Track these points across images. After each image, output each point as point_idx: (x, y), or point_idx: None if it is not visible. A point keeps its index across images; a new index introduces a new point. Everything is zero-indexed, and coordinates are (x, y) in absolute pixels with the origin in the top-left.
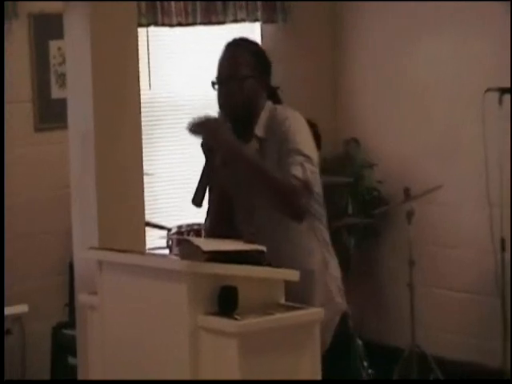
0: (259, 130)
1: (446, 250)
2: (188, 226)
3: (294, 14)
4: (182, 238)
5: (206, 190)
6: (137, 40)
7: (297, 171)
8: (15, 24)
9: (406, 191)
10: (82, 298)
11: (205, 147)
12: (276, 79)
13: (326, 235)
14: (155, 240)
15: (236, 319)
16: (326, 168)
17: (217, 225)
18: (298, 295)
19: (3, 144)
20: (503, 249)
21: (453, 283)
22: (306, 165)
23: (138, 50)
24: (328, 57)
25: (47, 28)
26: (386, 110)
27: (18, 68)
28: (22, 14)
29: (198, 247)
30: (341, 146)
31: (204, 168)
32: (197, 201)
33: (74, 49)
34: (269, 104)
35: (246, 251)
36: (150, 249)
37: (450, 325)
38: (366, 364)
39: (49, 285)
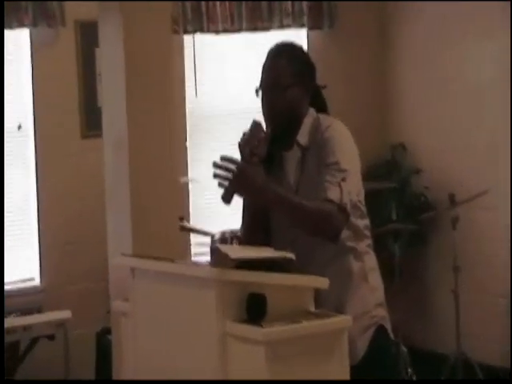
0: (302, 138)
1: (491, 256)
2: (232, 232)
3: (340, 19)
4: (212, 246)
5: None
6: (170, 47)
7: (332, 195)
8: (62, 31)
9: (451, 197)
10: (115, 304)
11: (242, 147)
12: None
13: (369, 245)
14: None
15: (263, 327)
16: (372, 174)
17: (251, 233)
18: (333, 306)
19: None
20: None
21: (498, 290)
22: (343, 184)
23: (171, 57)
24: (375, 62)
25: (93, 35)
26: (433, 115)
27: (64, 75)
28: (69, 21)
29: (226, 255)
30: (388, 151)
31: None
32: (226, 198)
33: (108, 57)
34: (312, 111)
35: (275, 258)
36: (195, 254)
37: (495, 332)
38: (410, 371)
39: (93, 290)
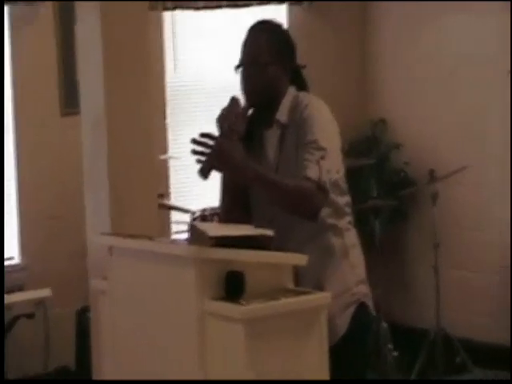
0: (281, 116)
1: (470, 231)
2: (212, 209)
3: None
4: (190, 224)
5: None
6: (146, 24)
7: (311, 173)
8: (41, 8)
9: (431, 173)
10: (93, 283)
11: (220, 123)
12: (303, 61)
13: (350, 222)
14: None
15: (242, 304)
16: (352, 149)
17: (230, 211)
18: (313, 283)
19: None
20: None
21: (478, 265)
22: (322, 162)
23: (147, 34)
24: (355, 38)
25: (73, 12)
26: (413, 90)
27: (43, 52)
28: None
29: (204, 232)
30: (368, 127)
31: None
32: (203, 172)
33: (85, 33)
34: (291, 90)
35: (253, 236)
36: (176, 232)
37: (475, 307)
38: (390, 346)
39: (74, 268)
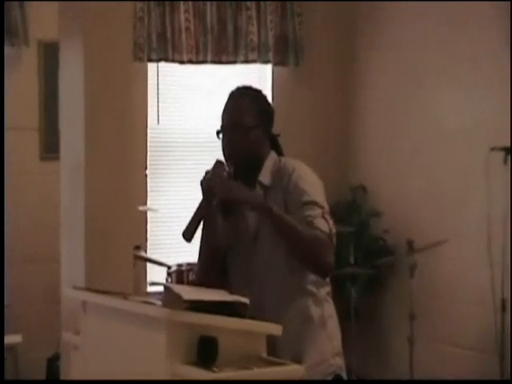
0: (264, 178)
1: (447, 304)
2: (188, 264)
3: (306, 57)
4: (164, 285)
5: (198, 226)
6: (130, 74)
7: (321, 224)
8: (25, 51)
9: (410, 243)
10: (65, 336)
11: (204, 185)
12: (285, 122)
13: (328, 292)
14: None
15: (214, 371)
16: (332, 215)
17: (206, 274)
18: (291, 353)
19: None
20: (503, 309)
21: (453, 339)
22: (327, 217)
23: (131, 84)
24: (338, 103)
25: (57, 56)
26: (395, 158)
27: (26, 96)
28: (32, 41)
29: (178, 295)
30: (348, 192)
31: (200, 204)
32: (187, 235)
33: (68, 80)
34: (273, 154)
35: (229, 302)
36: (151, 283)
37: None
38: None
39: (47, 313)
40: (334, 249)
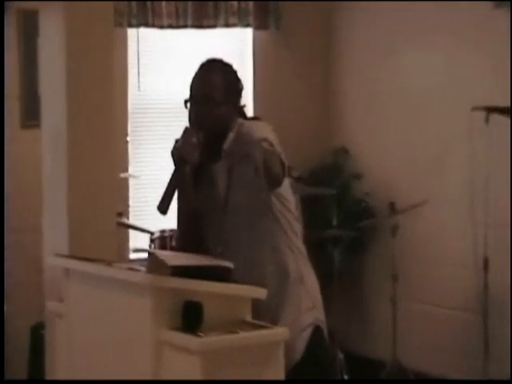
0: (226, 145)
1: (429, 265)
2: (171, 230)
3: (286, 20)
4: (148, 251)
5: (172, 198)
6: (112, 40)
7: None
8: (5, 20)
9: (392, 205)
10: (49, 305)
11: (175, 153)
12: (266, 86)
13: (301, 248)
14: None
15: (199, 336)
16: (313, 178)
17: (187, 241)
18: (269, 308)
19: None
20: (486, 268)
21: (435, 299)
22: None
23: (112, 50)
24: (319, 65)
25: (36, 24)
26: (376, 120)
27: (6, 63)
28: (11, 9)
29: (163, 261)
30: (330, 155)
31: (172, 175)
32: (162, 208)
33: (48, 47)
34: (239, 120)
35: (213, 267)
36: (134, 249)
37: (431, 341)
38: (346, 377)
39: (30, 282)
40: (283, 164)
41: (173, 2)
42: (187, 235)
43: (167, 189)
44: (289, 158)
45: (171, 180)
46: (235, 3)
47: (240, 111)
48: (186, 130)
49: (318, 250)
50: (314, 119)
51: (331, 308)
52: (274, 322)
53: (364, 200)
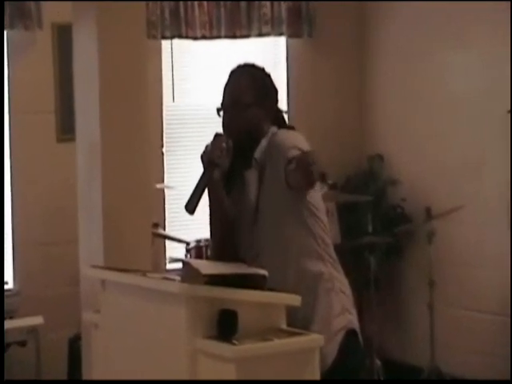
0: (258, 154)
1: (466, 270)
2: (207, 240)
3: (319, 28)
4: (183, 260)
5: (199, 198)
6: (145, 52)
7: (293, 153)
8: (39, 34)
9: (428, 210)
10: (85, 315)
11: (204, 158)
12: (301, 94)
13: (332, 254)
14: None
15: (234, 344)
16: (349, 185)
17: (221, 248)
18: (300, 313)
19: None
20: None
21: (473, 304)
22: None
23: (145, 62)
24: (354, 72)
25: (71, 38)
26: (411, 126)
27: (41, 78)
28: (46, 23)
29: (197, 270)
30: (365, 162)
31: (201, 177)
32: (190, 207)
33: (82, 60)
34: (273, 129)
35: (247, 275)
36: (171, 259)
37: (469, 345)
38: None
39: (66, 295)
40: (315, 163)
41: (206, 12)
42: (221, 244)
43: (195, 189)
44: (324, 166)
45: (199, 181)
46: (268, 12)
47: (276, 116)
48: (217, 135)
49: (354, 257)
50: (348, 126)
51: (368, 315)
52: (306, 327)
53: (400, 206)
